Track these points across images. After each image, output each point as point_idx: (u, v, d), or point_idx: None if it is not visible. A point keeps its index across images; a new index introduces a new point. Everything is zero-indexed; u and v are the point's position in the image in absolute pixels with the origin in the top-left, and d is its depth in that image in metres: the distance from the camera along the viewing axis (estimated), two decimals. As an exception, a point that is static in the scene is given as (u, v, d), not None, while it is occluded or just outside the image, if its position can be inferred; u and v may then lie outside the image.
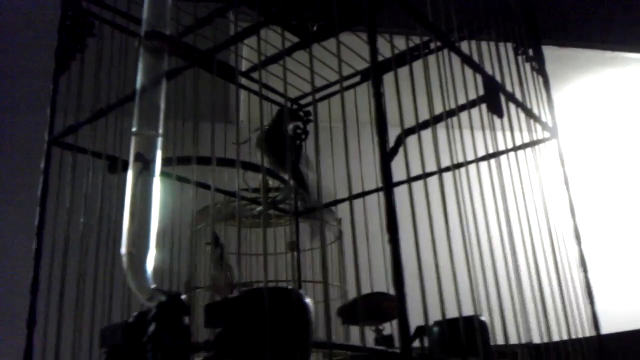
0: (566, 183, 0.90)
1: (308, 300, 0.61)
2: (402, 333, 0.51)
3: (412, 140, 0.75)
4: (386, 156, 0.56)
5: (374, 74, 0.58)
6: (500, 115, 0.72)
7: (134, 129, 0.69)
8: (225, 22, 1.69)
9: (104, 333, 0.68)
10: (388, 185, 0.55)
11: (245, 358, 0.56)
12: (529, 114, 0.84)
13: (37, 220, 0.85)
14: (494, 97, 0.71)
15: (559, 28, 2.59)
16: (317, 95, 1.30)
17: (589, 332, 0.87)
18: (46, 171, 0.88)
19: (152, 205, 0.69)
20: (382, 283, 1.00)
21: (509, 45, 0.92)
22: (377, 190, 1.15)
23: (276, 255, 1.32)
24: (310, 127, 1.32)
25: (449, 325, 0.86)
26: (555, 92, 3.29)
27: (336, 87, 1.26)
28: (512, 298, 0.75)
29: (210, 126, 0.80)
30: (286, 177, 1.09)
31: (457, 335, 0.88)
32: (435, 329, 0.94)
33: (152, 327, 0.62)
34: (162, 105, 0.72)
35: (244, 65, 1.33)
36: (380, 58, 0.67)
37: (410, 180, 0.71)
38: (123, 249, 0.64)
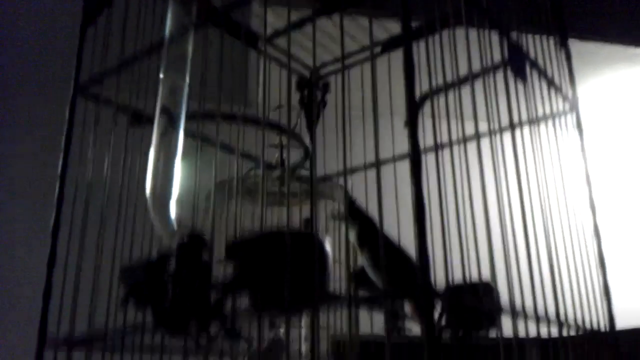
0: (584, 155, 0.91)
1: (328, 247, 0.63)
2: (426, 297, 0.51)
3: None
4: (414, 111, 0.56)
5: (405, 26, 0.58)
6: (524, 79, 0.73)
7: (161, 75, 0.71)
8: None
9: (124, 271, 0.69)
10: (414, 138, 0.55)
11: (261, 295, 0.58)
12: (551, 83, 0.84)
13: (60, 167, 0.87)
14: (519, 60, 0.72)
15: (580, 22, 2.56)
16: (339, 66, 1.31)
17: (604, 326, 0.86)
18: (70, 120, 0.89)
19: (177, 153, 0.70)
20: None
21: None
22: (397, 158, 1.16)
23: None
24: (328, 98, 1.32)
25: (459, 291, 0.87)
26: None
27: (356, 58, 1.26)
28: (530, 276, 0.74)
29: (230, 108, 0.81)
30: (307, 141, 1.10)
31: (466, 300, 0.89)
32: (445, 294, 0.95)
33: (172, 265, 0.63)
34: (190, 55, 0.73)
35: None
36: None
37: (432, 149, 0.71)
38: (147, 190, 0.65)
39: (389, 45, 1.19)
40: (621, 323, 1.07)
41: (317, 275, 0.57)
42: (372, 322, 1.04)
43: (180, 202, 0.69)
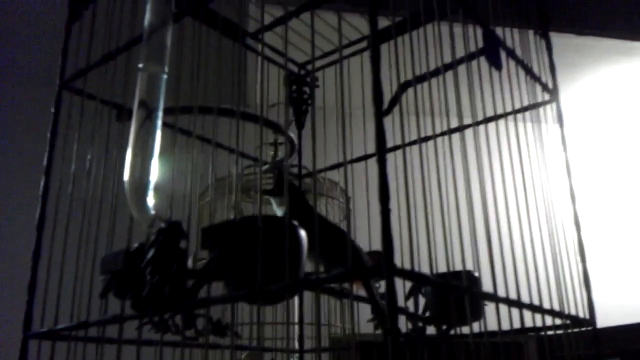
0: (564, 145, 0.92)
1: (302, 231, 0.63)
2: (386, 258, 0.51)
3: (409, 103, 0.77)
4: (380, 112, 0.57)
5: (372, 25, 0.59)
6: (499, 68, 0.74)
7: (140, 65, 0.71)
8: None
9: (105, 260, 0.70)
10: (380, 134, 0.56)
11: (236, 279, 0.59)
12: (529, 72, 0.85)
13: (46, 159, 0.88)
14: (493, 49, 0.72)
15: (577, 16, 2.57)
16: (324, 61, 1.32)
17: (584, 324, 0.87)
18: (56, 115, 0.90)
19: (155, 140, 0.71)
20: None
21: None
22: (368, 156, 1.17)
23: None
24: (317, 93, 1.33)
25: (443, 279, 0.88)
26: (572, 81, 3.27)
27: (344, 52, 1.27)
28: (504, 273, 0.75)
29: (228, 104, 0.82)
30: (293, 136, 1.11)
31: (449, 290, 0.90)
32: (429, 288, 0.96)
33: (151, 252, 0.64)
34: (169, 46, 0.74)
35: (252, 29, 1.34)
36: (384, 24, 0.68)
37: (405, 145, 0.72)
38: (125, 177, 0.66)
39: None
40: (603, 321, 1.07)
41: (290, 258, 0.58)
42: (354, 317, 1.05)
43: (159, 192, 0.70)
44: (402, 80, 0.78)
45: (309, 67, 1.35)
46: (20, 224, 2.52)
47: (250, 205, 1.32)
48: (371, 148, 1.19)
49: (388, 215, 0.48)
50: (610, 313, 2.36)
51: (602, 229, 3.16)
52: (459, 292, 0.65)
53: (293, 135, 1.25)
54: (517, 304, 0.64)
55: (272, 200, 0.95)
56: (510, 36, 0.87)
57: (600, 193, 3.24)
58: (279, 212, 0.95)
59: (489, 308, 0.88)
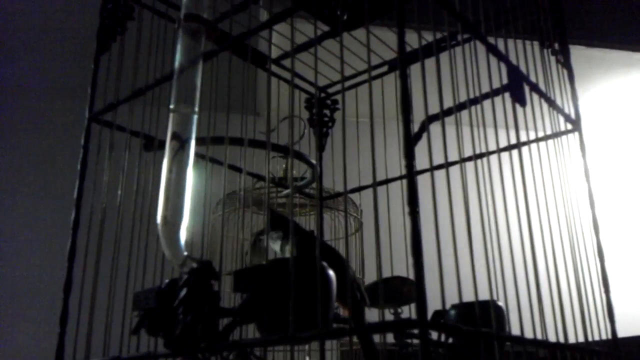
0: (587, 176, 0.92)
1: (331, 272, 0.65)
2: (419, 313, 0.52)
3: (436, 132, 0.78)
4: (409, 138, 0.58)
5: (401, 57, 0.60)
6: (523, 105, 0.75)
7: (171, 106, 0.73)
8: (258, 11, 1.72)
9: (137, 297, 0.72)
10: (410, 158, 0.57)
11: (268, 322, 0.60)
12: (552, 104, 0.86)
13: (76, 193, 0.90)
14: (517, 86, 0.73)
15: (587, 28, 2.57)
16: (346, 85, 1.33)
17: (605, 334, 0.87)
18: (86, 146, 0.92)
19: (187, 180, 0.73)
20: (403, 271, 1.03)
21: (535, 44, 0.94)
22: (400, 177, 1.18)
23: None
24: (337, 115, 1.35)
25: (465, 309, 0.88)
26: (582, 92, 3.26)
27: (364, 77, 1.29)
28: (528, 291, 0.76)
29: (239, 117, 0.83)
30: (313, 161, 1.12)
31: (473, 317, 0.90)
32: (453, 312, 0.96)
33: (183, 292, 0.66)
34: (199, 85, 0.76)
35: (274, 54, 1.36)
36: (408, 49, 0.69)
37: (432, 169, 0.73)
38: (158, 218, 0.68)
39: (394, 65, 1.21)
40: (624, 331, 1.07)
41: (320, 301, 0.59)
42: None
43: (190, 218, 0.71)
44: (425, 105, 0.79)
45: (329, 90, 1.37)
46: (49, 254, 2.55)
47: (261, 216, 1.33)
48: (392, 171, 1.20)
49: (421, 262, 0.49)
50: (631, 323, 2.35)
51: (617, 232, 3.15)
52: (488, 339, 0.65)
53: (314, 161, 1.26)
54: (544, 344, 0.65)
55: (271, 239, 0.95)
56: (531, 61, 0.88)
57: (607, 202, 3.22)
58: (276, 245, 0.95)
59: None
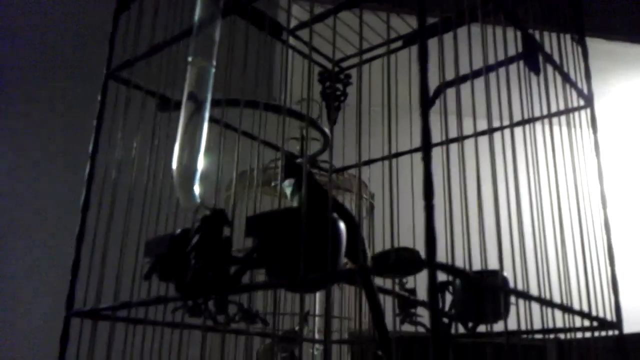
0: (597, 151, 0.93)
1: (342, 225, 0.66)
2: (429, 253, 0.53)
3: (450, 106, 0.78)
4: (426, 104, 0.59)
5: (420, 22, 0.61)
6: (537, 72, 0.75)
7: (189, 59, 0.74)
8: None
9: (150, 244, 0.73)
10: (426, 128, 0.58)
11: (278, 267, 0.61)
12: (566, 78, 0.86)
13: (92, 146, 0.91)
14: (532, 53, 0.74)
15: (606, 21, 2.56)
16: (356, 60, 1.34)
17: (611, 326, 0.88)
18: (102, 102, 0.93)
19: (203, 133, 0.74)
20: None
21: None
22: (413, 150, 1.18)
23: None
24: (349, 90, 1.36)
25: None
26: (604, 86, 3.24)
27: (378, 51, 1.29)
28: (536, 262, 0.76)
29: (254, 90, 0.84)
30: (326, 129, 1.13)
31: (479, 289, 0.91)
32: (459, 281, 0.97)
33: (195, 239, 0.67)
34: (217, 40, 0.76)
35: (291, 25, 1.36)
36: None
37: (448, 142, 0.73)
38: (174, 164, 0.69)
39: (409, 40, 1.21)
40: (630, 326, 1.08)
41: (330, 250, 0.60)
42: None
43: (203, 182, 0.72)
44: (442, 79, 0.80)
45: (343, 64, 1.37)
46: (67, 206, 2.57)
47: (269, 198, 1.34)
48: (403, 145, 1.21)
49: (432, 210, 0.50)
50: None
51: (632, 234, 3.14)
52: (494, 290, 0.66)
53: (327, 130, 1.27)
54: (549, 303, 0.66)
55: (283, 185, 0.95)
56: (547, 40, 0.89)
57: (632, 198, 3.22)
58: (288, 191, 0.95)
59: (514, 308, 0.89)
